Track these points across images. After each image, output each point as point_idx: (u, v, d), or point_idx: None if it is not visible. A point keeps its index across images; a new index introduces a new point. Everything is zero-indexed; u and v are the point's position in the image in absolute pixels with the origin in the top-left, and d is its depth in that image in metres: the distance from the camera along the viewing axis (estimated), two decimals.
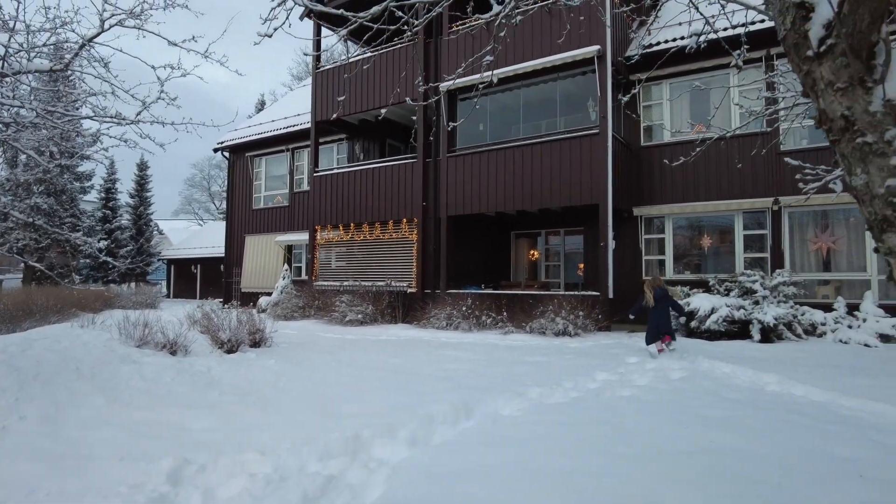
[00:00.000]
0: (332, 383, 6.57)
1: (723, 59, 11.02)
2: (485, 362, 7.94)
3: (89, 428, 4.70)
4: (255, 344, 9.56)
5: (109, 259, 7.14)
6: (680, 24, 12.19)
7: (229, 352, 8.92)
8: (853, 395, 5.82)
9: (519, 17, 3.45)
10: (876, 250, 1.46)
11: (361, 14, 2.66)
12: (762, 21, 9.10)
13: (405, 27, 3.59)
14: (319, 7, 2.69)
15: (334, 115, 16.15)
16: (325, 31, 16.43)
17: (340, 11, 2.75)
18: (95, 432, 4.60)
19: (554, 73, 13.00)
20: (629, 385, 6.36)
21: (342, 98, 15.81)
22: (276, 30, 2.94)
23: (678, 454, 3.99)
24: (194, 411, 5.35)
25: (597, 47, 11.90)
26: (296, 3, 2.65)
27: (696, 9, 3.23)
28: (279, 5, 3.00)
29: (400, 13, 3.48)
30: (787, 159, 6.33)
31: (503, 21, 3.46)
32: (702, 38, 3.88)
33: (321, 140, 18.73)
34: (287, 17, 3.02)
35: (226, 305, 20.42)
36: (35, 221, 6.71)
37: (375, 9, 2.68)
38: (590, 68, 12.35)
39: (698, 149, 4.92)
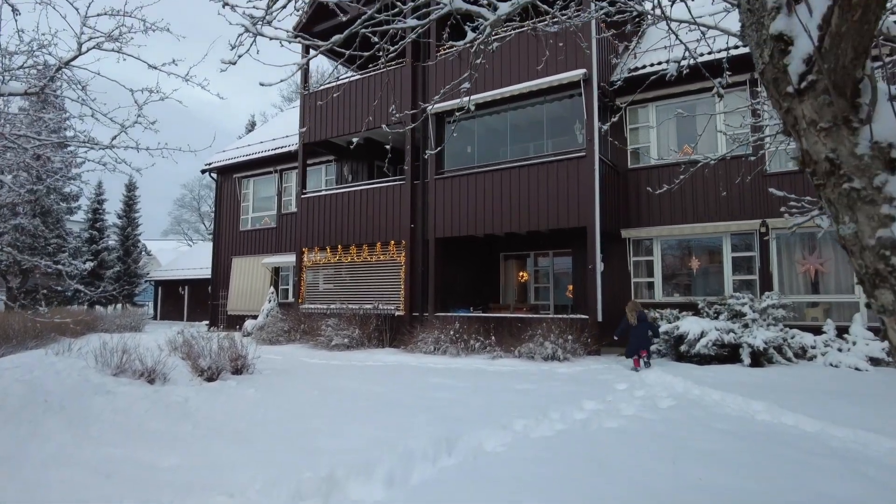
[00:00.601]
0: (311, 414, 6.35)
1: (708, 82, 11.07)
2: (471, 390, 7.75)
3: (50, 468, 4.46)
4: (237, 371, 9.31)
5: (80, 287, 6.88)
6: (665, 47, 12.31)
7: (209, 380, 8.66)
8: (844, 425, 5.68)
9: (496, 45, 3.37)
10: (868, 306, 1.33)
11: (321, 44, 2.55)
12: (745, 45, 9.17)
13: (380, 53, 3.50)
14: (279, 35, 2.58)
15: (294, 146, 16.13)
16: (312, 52, 16.43)
17: (298, 38, 2.64)
18: (56, 473, 4.36)
19: (541, 97, 13.03)
20: (617, 415, 6.19)
21: (304, 129, 15.84)
22: (240, 57, 2.83)
23: (666, 493, 3.83)
24: (165, 447, 5.12)
25: (582, 71, 11.95)
26: (256, 34, 2.54)
27: (676, 35, 3.16)
28: (245, 32, 2.89)
29: (375, 39, 3.39)
30: (771, 190, 6.28)
31: (480, 48, 3.37)
32: (683, 64, 3.81)
33: (309, 161, 18.66)
34: (253, 43, 2.91)
35: (211, 328, 20.09)
36: (3, 249, 6.50)
37: (337, 37, 2.58)
38: (576, 91, 12.39)
39: (682, 176, 4.84)
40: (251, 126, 46.60)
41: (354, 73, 15.97)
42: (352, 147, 11.31)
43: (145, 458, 4.78)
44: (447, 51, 13.32)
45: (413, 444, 4.92)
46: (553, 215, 12.40)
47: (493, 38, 3.29)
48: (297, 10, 2.73)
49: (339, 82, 16.46)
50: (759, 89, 11.74)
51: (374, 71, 15.17)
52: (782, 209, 5.98)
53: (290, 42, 3.16)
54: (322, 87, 16.66)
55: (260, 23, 2.60)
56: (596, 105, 12.04)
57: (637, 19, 7.00)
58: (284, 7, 2.43)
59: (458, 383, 8.36)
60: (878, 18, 1.23)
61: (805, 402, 6.73)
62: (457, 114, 4.19)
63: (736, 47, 9.16)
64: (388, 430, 5.53)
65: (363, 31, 2.79)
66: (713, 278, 12.63)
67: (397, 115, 5.44)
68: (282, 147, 19.82)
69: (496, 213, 13.18)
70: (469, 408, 6.53)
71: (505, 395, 7.35)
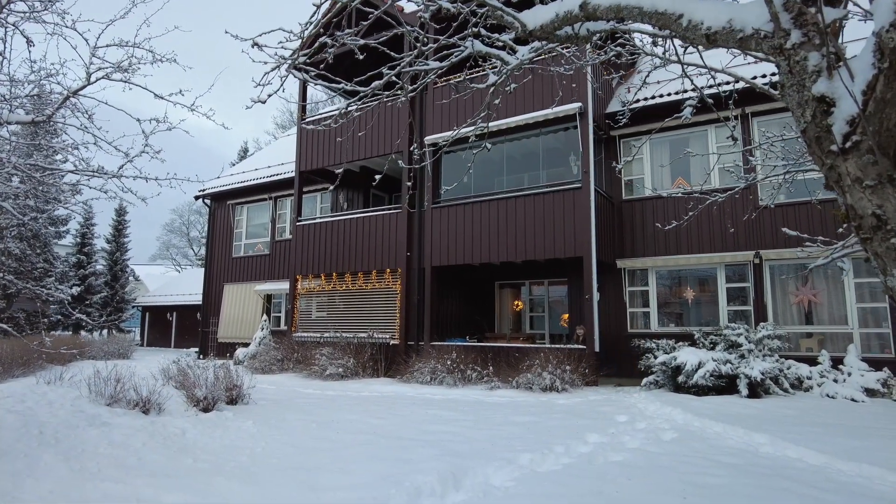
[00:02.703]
0: (312, 448, 6.26)
1: (702, 115, 11.34)
2: (472, 423, 7.69)
3: None
4: (232, 401, 9.18)
5: (83, 317, 6.81)
6: (658, 81, 12.64)
7: (205, 410, 8.52)
8: (849, 458, 5.70)
9: (513, 86, 3.46)
10: None
11: (362, 89, 2.62)
12: (737, 82, 9.43)
13: (399, 92, 3.58)
14: (316, 81, 2.65)
15: (289, 174, 16.16)
16: (320, 80, 16.63)
17: (341, 86, 2.71)
18: None
19: (536, 129, 13.26)
20: (621, 448, 6.17)
21: (300, 161, 15.86)
22: (269, 96, 2.89)
23: None
24: (167, 482, 5.01)
25: (578, 104, 12.21)
26: (289, 73, 2.60)
27: (692, 82, 3.28)
28: (273, 70, 2.96)
29: (395, 78, 3.47)
30: (784, 229, 6.38)
31: (498, 88, 3.46)
32: (694, 104, 3.94)
33: (305, 189, 18.73)
34: (282, 84, 2.97)
35: (201, 356, 19.81)
36: None
37: (376, 83, 2.65)
38: (571, 124, 12.64)
39: (691, 213, 4.94)
40: (244, 153, 46.75)
41: (352, 103, 16.16)
42: (338, 174, 11.33)
43: (147, 494, 4.68)
44: (472, 85, 13.57)
45: (420, 479, 4.86)
46: (549, 245, 12.51)
47: (510, 80, 3.38)
48: (328, 55, 2.81)
49: (336, 111, 16.64)
50: (751, 120, 12.07)
51: (371, 102, 15.36)
52: (799, 251, 6.07)
53: (310, 80, 3.23)
54: (319, 117, 16.84)
55: (290, 66, 2.67)
56: (591, 137, 12.27)
57: (634, 55, 7.23)
58: (317, 50, 2.50)
59: (459, 416, 8.30)
60: None
61: (807, 435, 6.75)
62: (473, 151, 4.24)
63: (728, 82, 9.40)
64: (393, 464, 5.46)
65: (390, 74, 2.86)
66: (708, 308, 12.74)
67: (413, 149, 5.50)
68: (277, 175, 19.89)
69: (492, 242, 13.27)
70: (472, 441, 6.48)
71: (507, 428, 7.30)
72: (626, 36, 3.97)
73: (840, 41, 2.62)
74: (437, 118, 14.34)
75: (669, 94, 12.06)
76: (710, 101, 3.47)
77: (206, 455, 5.96)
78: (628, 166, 13.79)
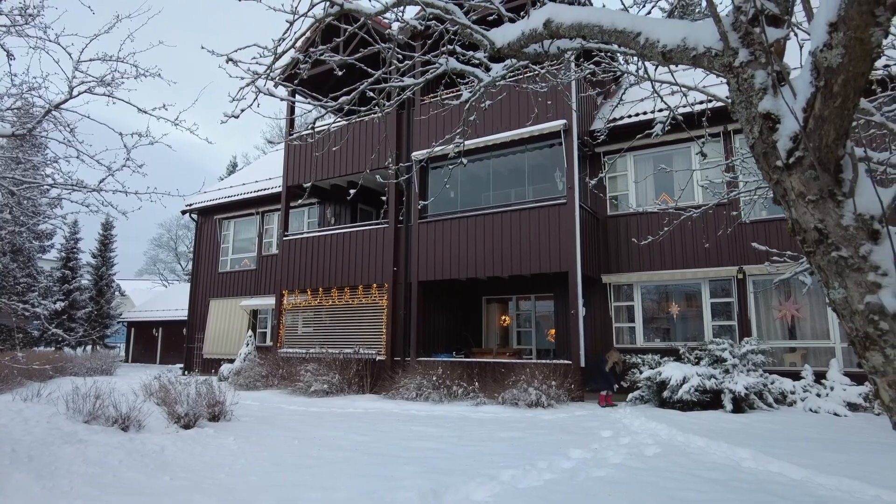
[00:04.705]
0: (293, 465, 6.18)
1: (684, 133, 11.52)
2: (456, 439, 7.64)
3: None
4: (214, 417, 9.06)
5: (59, 332, 6.73)
6: (642, 99, 12.86)
7: (186, 427, 8.40)
8: (829, 473, 5.72)
9: (488, 102, 3.51)
10: (859, 366, 1.41)
11: (330, 103, 2.65)
12: (709, 101, 9.61)
13: (377, 108, 3.62)
14: (287, 97, 2.67)
15: (276, 189, 16.14)
16: (298, 96, 16.73)
17: (314, 103, 2.73)
18: None
19: (522, 145, 13.39)
20: (604, 464, 6.16)
21: (287, 175, 15.87)
22: (243, 111, 2.90)
23: None
24: (140, 500, 4.92)
25: (563, 121, 12.36)
26: (261, 92, 2.62)
27: (662, 99, 3.34)
28: (247, 86, 2.98)
29: (371, 94, 3.51)
30: (755, 244, 6.49)
31: (473, 104, 3.51)
32: (666, 121, 4.01)
33: (292, 204, 18.71)
34: (256, 98, 2.99)
35: (186, 372, 19.57)
36: None
37: (344, 98, 2.68)
38: (556, 141, 12.77)
39: (666, 228, 5.00)
40: (233, 168, 46.70)
41: (339, 118, 16.24)
42: (356, 184, 11.36)
43: None
44: (435, 97, 13.70)
45: (400, 496, 4.82)
46: (535, 260, 12.56)
47: (485, 98, 3.42)
48: (301, 70, 2.83)
49: (323, 126, 16.70)
50: (733, 138, 12.27)
51: (358, 117, 15.45)
52: (766, 265, 6.16)
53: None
54: (306, 132, 16.88)
55: (265, 81, 2.69)
56: (576, 154, 12.40)
57: (617, 74, 7.34)
58: (292, 66, 2.52)
59: (443, 432, 8.24)
60: (857, 105, 1.35)
61: (789, 450, 6.77)
62: (449, 167, 4.32)
63: (709, 100, 9.57)
64: (374, 481, 5.41)
65: (366, 90, 2.89)
66: (693, 323, 12.81)
67: (388, 163, 5.54)
68: (264, 189, 19.87)
69: (479, 257, 13.30)
70: (456, 458, 6.44)
71: (491, 444, 7.26)
72: (602, 54, 4.05)
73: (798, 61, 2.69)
74: (425, 134, 14.44)
75: (653, 112, 12.26)
76: (681, 118, 3.55)
77: (185, 472, 5.87)
78: (612, 182, 13.93)
